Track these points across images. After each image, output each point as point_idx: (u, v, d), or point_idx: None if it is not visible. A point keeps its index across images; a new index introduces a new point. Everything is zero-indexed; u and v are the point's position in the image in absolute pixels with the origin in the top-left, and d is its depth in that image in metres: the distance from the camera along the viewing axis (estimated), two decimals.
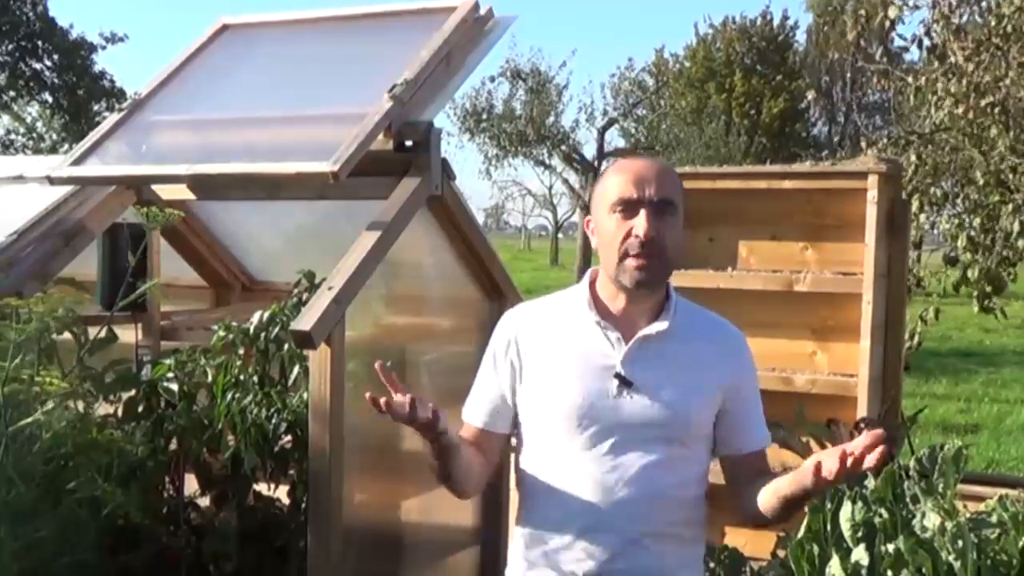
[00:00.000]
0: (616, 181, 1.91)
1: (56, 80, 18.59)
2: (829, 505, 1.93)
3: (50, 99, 19.07)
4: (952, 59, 5.80)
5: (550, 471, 1.93)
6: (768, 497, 1.89)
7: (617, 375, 1.90)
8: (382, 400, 1.76)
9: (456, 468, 1.91)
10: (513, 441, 2.07)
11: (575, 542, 1.90)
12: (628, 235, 1.87)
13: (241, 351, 2.95)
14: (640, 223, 1.87)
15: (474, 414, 2.03)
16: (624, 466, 1.88)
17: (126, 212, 3.53)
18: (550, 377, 1.94)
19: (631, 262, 1.88)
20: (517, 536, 2.02)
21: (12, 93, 18.80)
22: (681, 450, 1.92)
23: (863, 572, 1.81)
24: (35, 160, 4.32)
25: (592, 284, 1.99)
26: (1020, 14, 5.61)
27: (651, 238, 1.86)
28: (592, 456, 1.89)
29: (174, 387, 2.91)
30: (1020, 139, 5.68)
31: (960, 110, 5.73)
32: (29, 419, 2.35)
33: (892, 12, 5.86)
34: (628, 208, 1.88)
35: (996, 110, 5.61)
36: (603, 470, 1.88)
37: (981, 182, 5.78)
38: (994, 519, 1.84)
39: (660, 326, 1.92)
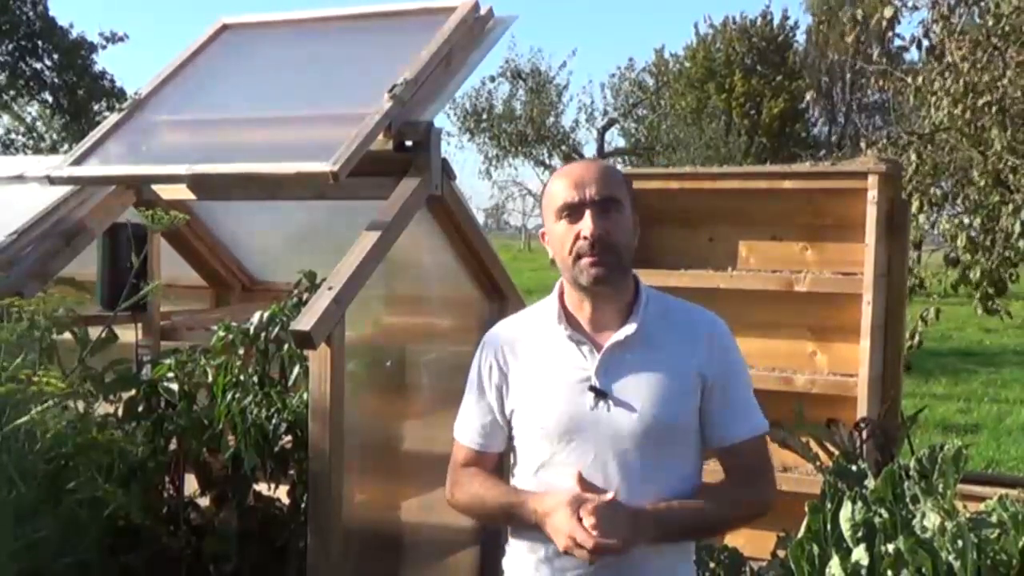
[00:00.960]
0: (558, 187, 1.94)
1: (56, 80, 18.58)
2: (829, 505, 1.93)
3: (50, 99, 19.06)
4: (949, 59, 5.80)
5: (541, 485, 1.94)
6: None
7: (592, 388, 1.91)
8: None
9: None
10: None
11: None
12: (576, 238, 1.90)
13: (241, 351, 2.95)
14: (586, 224, 1.89)
15: (469, 435, 2.05)
16: (610, 477, 1.88)
17: (129, 212, 3.53)
18: (531, 396, 1.96)
19: (584, 261, 1.90)
20: (512, 547, 2.02)
21: (12, 93, 18.79)
22: (665, 453, 1.92)
23: (863, 572, 1.80)
24: (35, 160, 4.32)
25: (561, 296, 2.00)
26: (1018, 14, 5.61)
27: (597, 236, 1.88)
28: (578, 469, 1.89)
29: (174, 387, 2.91)
30: (1017, 138, 5.68)
31: (958, 110, 5.73)
32: (24, 419, 2.35)
33: (888, 12, 5.86)
34: (573, 212, 1.91)
35: (993, 109, 5.61)
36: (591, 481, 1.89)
37: (980, 182, 5.79)
38: (994, 519, 1.83)
39: (628, 330, 1.93)
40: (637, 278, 2.01)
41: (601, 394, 1.90)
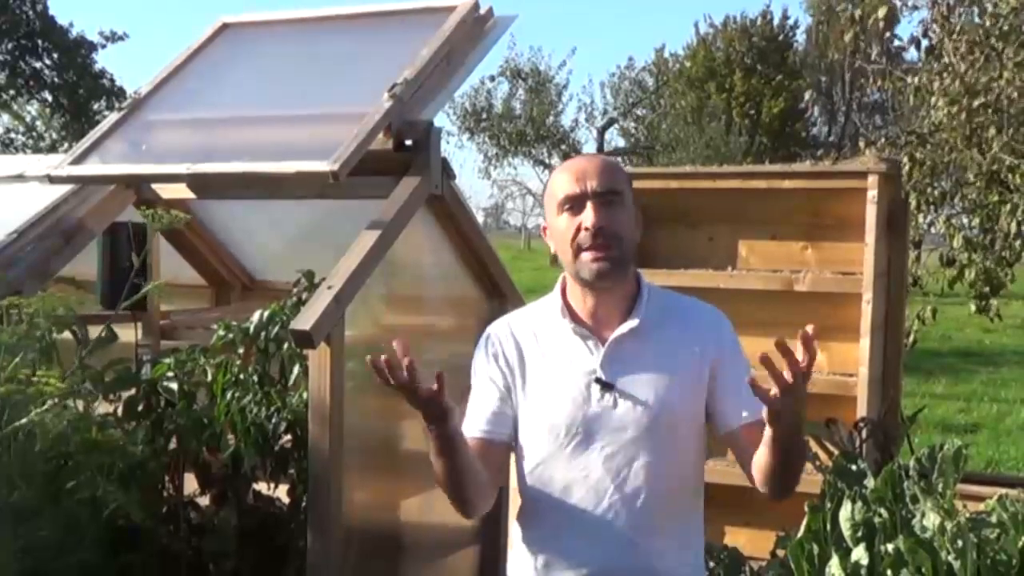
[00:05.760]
0: (560, 180, 1.95)
1: (56, 79, 18.60)
2: (829, 505, 1.93)
3: (50, 98, 19.09)
4: (947, 59, 5.80)
5: (546, 480, 1.94)
6: (761, 461, 1.83)
7: (598, 379, 1.91)
8: (382, 358, 1.72)
9: (464, 473, 1.86)
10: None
11: (574, 547, 1.91)
12: (578, 230, 1.90)
13: (241, 350, 2.95)
14: (588, 215, 1.89)
15: (476, 425, 1.99)
16: (616, 469, 1.89)
17: (129, 211, 3.53)
18: (536, 390, 1.96)
19: (586, 255, 1.90)
20: (517, 544, 2.02)
21: (12, 92, 18.81)
22: (672, 446, 1.92)
23: (863, 572, 1.81)
24: (35, 159, 4.32)
25: (564, 291, 2.00)
26: (1016, 14, 5.61)
27: (600, 227, 1.88)
28: (584, 462, 1.90)
29: (174, 386, 2.91)
30: (1016, 139, 5.68)
31: (955, 110, 5.73)
32: (23, 420, 2.35)
33: (881, 12, 5.84)
34: (575, 204, 1.91)
35: (989, 111, 5.60)
36: (596, 475, 1.90)
37: (975, 182, 5.78)
38: (994, 519, 1.84)
39: (632, 323, 1.93)
40: (639, 273, 2.01)
41: (607, 387, 1.91)
